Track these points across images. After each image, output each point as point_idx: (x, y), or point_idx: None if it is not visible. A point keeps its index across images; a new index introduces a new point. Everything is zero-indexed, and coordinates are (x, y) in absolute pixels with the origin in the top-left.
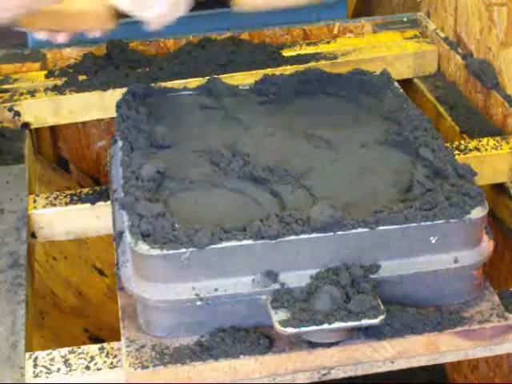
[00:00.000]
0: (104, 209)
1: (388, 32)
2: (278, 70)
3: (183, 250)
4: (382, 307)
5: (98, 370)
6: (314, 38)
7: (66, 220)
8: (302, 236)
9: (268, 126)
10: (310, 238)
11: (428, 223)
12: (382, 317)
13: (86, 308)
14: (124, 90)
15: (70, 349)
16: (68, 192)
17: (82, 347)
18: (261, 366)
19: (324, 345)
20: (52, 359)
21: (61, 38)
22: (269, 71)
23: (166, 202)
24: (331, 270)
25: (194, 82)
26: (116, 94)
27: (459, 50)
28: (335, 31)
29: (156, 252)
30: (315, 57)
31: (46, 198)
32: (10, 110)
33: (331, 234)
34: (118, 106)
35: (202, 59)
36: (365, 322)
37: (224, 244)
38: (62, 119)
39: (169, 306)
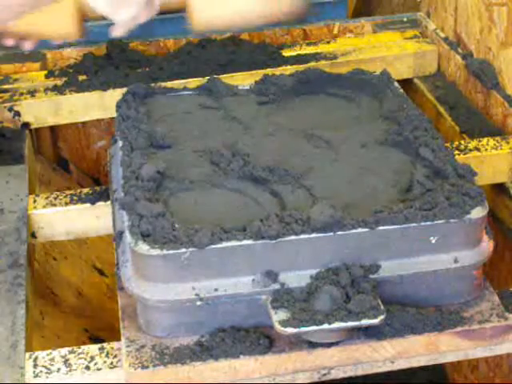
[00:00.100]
0: (104, 209)
1: (388, 32)
2: (278, 70)
3: (183, 250)
4: (382, 307)
5: (98, 370)
6: (314, 38)
7: (66, 220)
8: (302, 236)
9: (268, 126)
10: (310, 237)
11: (428, 223)
12: (381, 317)
13: (85, 308)
14: (124, 89)
15: (70, 349)
16: (68, 192)
17: (82, 347)
18: (261, 366)
19: (324, 345)
20: (52, 359)
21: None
22: (269, 71)
23: (166, 202)
24: (331, 270)
25: (194, 82)
26: (116, 94)
27: (459, 50)
28: (335, 31)
29: (156, 252)
30: (315, 57)
31: (46, 198)
32: (10, 110)
33: (331, 234)
34: (118, 106)
35: (202, 59)
36: (365, 321)
37: (224, 244)
38: (62, 119)
39: (169, 306)
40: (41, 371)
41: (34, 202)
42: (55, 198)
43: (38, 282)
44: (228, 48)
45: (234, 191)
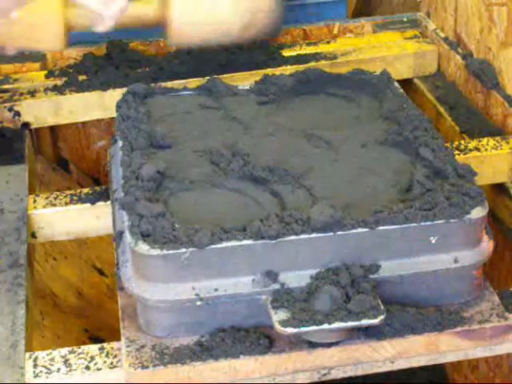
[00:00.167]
0: (104, 209)
1: (388, 32)
2: (278, 70)
3: (183, 250)
4: (382, 307)
5: (98, 370)
6: (314, 38)
7: (66, 220)
8: (302, 236)
9: (268, 126)
10: (310, 238)
11: (428, 223)
12: (381, 317)
13: (85, 308)
14: (124, 89)
15: (70, 349)
16: (68, 192)
17: (82, 347)
18: (261, 366)
19: (324, 345)
20: (52, 359)
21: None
22: (269, 71)
23: (166, 202)
24: (331, 270)
25: (194, 82)
26: (116, 94)
27: (459, 50)
28: (335, 31)
29: (156, 252)
30: (315, 57)
31: (46, 198)
32: (10, 110)
33: (331, 234)
34: (118, 106)
35: (202, 59)
36: (365, 322)
37: (224, 244)
38: (62, 119)
39: (169, 306)
40: (41, 371)
41: (34, 202)
42: (55, 198)
43: (38, 282)
44: (228, 48)
45: (233, 191)
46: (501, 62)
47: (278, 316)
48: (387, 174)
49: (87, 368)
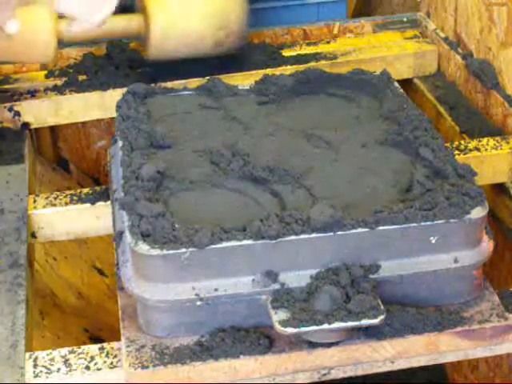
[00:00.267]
0: (104, 209)
1: (388, 32)
2: (277, 70)
3: (183, 249)
4: (382, 307)
5: (98, 370)
6: (314, 38)
7: (66, 220)
8: (302, 236)
9: (268, 126)
10: (310, 237)
11: (428, 223)
12: (381, 317)
13: (85, 308)
14: (124, 89)
15: (70, 349)
16: (68, 192)
17: (82, 347)
18: (261, 366)
19: (324, 345)
20: (52, 359)
21: None
22: (269, 71)
23: (166, 202)
24: (331, 270)
25: (194, 82)
26: (116, 94)
27: (459, 50)
28: (335, 31)
29: (156, 252)
30: (315, 57)
31: (46, 198)
32: (10, 110)
33: (331, 234)
34: (118, 106)
35: (202, 59)
36: (365, 322)
37: (224, 244)
38: (62, 119)
39: (169, 306)
40: (41, 371)
41: (34, 202)
42: (55, 198)
43: (38, 282)
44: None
45: (234, 191)
46: (501, 62)
47: (277, 316)
48: (387, 174)
49: (87, 368)
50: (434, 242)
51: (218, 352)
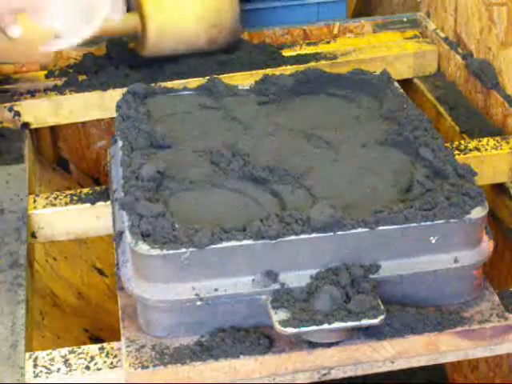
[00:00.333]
0: (104, 209)
1: (388, 32)
2: (277, 70)
3: (183, 249)
4: (382, 307)
5: (98, 370)
6: (314, 38)
7: (66, 220)
8: (302, 236)
9: (268, 126)
10: (310, 237)
11: (428, 223)
12: (381, 317)
13: (85, 308)
14: (124, 89)
15: (70, 349)
16: (68, 192)
17: (82, 347)
18: (261, 366)
19: (324, 345)
20: (52, 359)
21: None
22: (269, 71)
23: (166, 202)
24: (331, 270)
25: (194, 82)
26: (116, 94)
27: (459, 50)
28: (335, 31)
29: (156, 252)
30: (315, 57)
31: (46, 198)
32: (10, 110)
33: (331, 234)
34: (118, 106)
35: (202, 59)
36: (365, 322)
37: (224, 244)
38: (62, 119)
39: (169, 306)
40: (41, 371)
41: (34, 202)
42: (55, 198)
43: (37, 281)
44: (225, 49)
45: (234, 191)
46: (501, 62)
47: (277, 316)
48: (387, 174)
49: (87, 368)
50: (433, 242)
51: (217, 352)
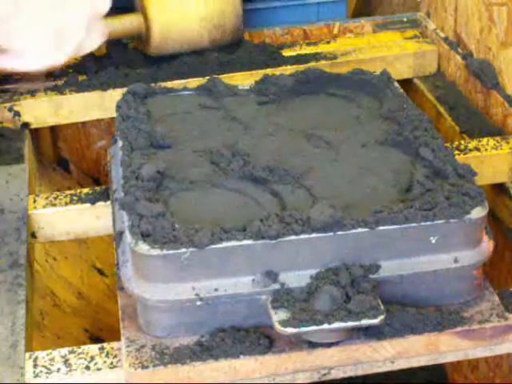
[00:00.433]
0: (104, 209)
1: (388, 32)
2: (277, 70)
3: (183, 249)
4: (382, 307)
5: (98, 370)
6: (314, 38)
7: (66, 220)
8: (302, 236)
9: (268, 126)
10: (310, 237)
11: (428, 223)
12: (381, 317)
13: (85, 308)
14: (124, 89)
15: (70, 349)
16: (68, 192)
17: (82, 347)
18: (261, 366)
19: (324, 345)
20: (52, 359)
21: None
22: (269, 71)
23: (166, 202)
24: (331, 270)
25: (194, 82)
26: (116, 93)
27: (459, 50)
28: (335, 31)
29: (156, 252)
30: (315, 57)
31: (46, 198)
32: (10, 110)
33: (331, 233)
34: (118, 106)
35: (202, 59)
36: (365, 322)
37: (224, 244)
38: (62, 119)
39: (169, 306)
40: (41, 371)
41: (34, 202)
42: (55, 198)
43: (37, 282)
44: (228, 48)
45: (234, 191)
46: (501, 61)
47: (278, 316)
48: (387, 174)
49: (87, 368)
50: (434, 241)
51: (217, 352)
